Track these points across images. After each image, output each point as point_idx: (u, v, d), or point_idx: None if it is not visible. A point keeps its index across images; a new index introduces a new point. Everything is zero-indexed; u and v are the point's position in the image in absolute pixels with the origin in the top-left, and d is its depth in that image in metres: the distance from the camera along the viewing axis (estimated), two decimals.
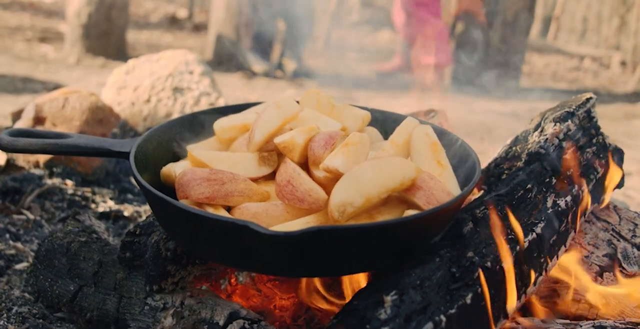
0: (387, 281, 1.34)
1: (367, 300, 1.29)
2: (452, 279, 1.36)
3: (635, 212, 1.92)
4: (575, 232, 1.76)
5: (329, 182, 1.43)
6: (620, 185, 2.01)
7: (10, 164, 2.45)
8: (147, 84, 3.04)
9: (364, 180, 1.35)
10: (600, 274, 1.79)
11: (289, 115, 1.58)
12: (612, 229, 1.87)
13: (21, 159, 2.50)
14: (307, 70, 6.61)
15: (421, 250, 1.39)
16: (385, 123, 1.84)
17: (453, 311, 1.29)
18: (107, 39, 5.97)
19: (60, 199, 2.35)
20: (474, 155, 1.58)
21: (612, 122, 5.86)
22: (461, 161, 1.64)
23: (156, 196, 1.32)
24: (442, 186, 1.43)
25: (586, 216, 1.83)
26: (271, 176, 1.55)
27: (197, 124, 1.75)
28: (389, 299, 1.27)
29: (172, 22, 8.99)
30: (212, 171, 1.44)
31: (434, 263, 1.37)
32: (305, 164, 1.52)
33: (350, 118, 1.66)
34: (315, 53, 8.04)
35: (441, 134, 1.70)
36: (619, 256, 1.81)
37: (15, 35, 6.72)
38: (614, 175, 1.95)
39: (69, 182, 2.48)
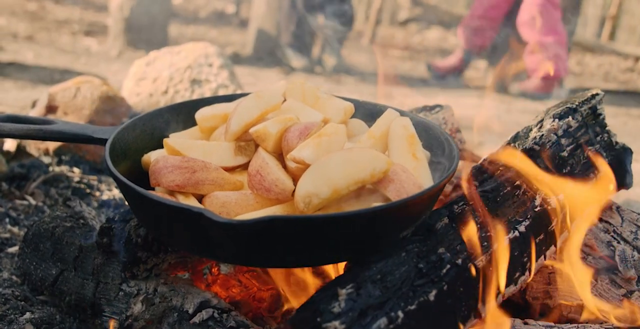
0: (348, 275, 1.31)
1: (324, 293, 1.27)
2: (419, 275, 1.32)
3: (639, 214, 1.84)
4: (568, 232, 1.70)
5: (302, 173, 1.41)
6: (626, 186, 1.93)
7: (20, 151, 2.51)
8: (165, 76, 3.07)
9: (331, 171, 1.33)
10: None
11: (270, 105, 1.56)
12: (614, 231, 1.80)
13: (32, 147, 2.56)
14: (347, 66, 6.58)
15: (387, 244, 1.36)
16: (377, 115, 1.81)
17: (412, 307, 1.26)
18: (149, 33, 6.06)
19: (65, 186, 2.39)
20: (456, 150, 1.54)
21: None
22: (445, 155, 1.60)
23: (119, 180, 1.33)
24: (414, 179, 1.39)
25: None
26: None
27: (185, 113, 1.75)
28: (343, 292, 1.24)
29: (220, 18, 9.08)
30: (184, 158, 1.44)
31: (398, 258, 1.34)
32: (282, 155, 1.51)
33: (333, 110, 1.63)
34: (359, 50, 8.01)
35: (427, 127, 1.67)
36: (617, 258, 1.74)
37: (62, 28, 6.88)
38: (618, 175, 1.87)
39: (76, 170, 2.52)
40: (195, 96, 3.08)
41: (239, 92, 3.15)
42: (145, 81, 3.11)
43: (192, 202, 1.42)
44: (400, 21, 10.43)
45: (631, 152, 1.94)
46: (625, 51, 8.79)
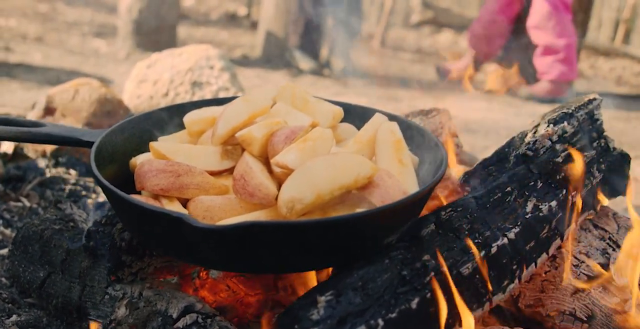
0: (330, 282, 1.30)
1: (304, 300, 1.26)
2: (402, 283, 1.31)
3: None
4: (562, 239, 1.68)
5: (287, 178, 1.40)
6: (624, 193, 1.90)
7: (17, 153, 2.52)
8: (166, 78, 3.07)
9: (315, 176, 1.32)
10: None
11: (258, 109, 1.55)
12: (609, 238, 1.77)
13: (29, 149, 2.57)
14: (355, 69, 6.56)
15: (370, 250, 1.34)
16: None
17: (393, 315, 1.24)
18: (158, 35, 6.08)
19: (61, 188, 2.39)
20: (445, 155, 1.52)
21: None
22: (435, 161, 1.58)
23: (101, 183, 1.32)
24: (399, 184, 1.38)
25: (578, 223, 1.74)
26: None
27: (175, 116, 1.75)
28: (322, 299, 1.23)
29: (231, 20, 9.08)
30: (169, 162, 1.43)
31: (381, 265, 1.32)
32: (268, 159, 1.49)
33: (322, 114, 1.62)
34: (369, 52, 7.98)
35: (417, 131, 1.65)
36: (611, 266, 1.71)
37: (72, 29, 6.91)
38: (614, 181, 1.84)
39: (73, 172, 2.53)
40: (195, 99, 3.07)
41: (239, 94, 3.15)
42: (146, 83, 3.11)
43: (176, 206, 1.41)
44: (412, 25, 10.39)
45: (629, 159, 1.92)
46: (639, 55, 8.70)
